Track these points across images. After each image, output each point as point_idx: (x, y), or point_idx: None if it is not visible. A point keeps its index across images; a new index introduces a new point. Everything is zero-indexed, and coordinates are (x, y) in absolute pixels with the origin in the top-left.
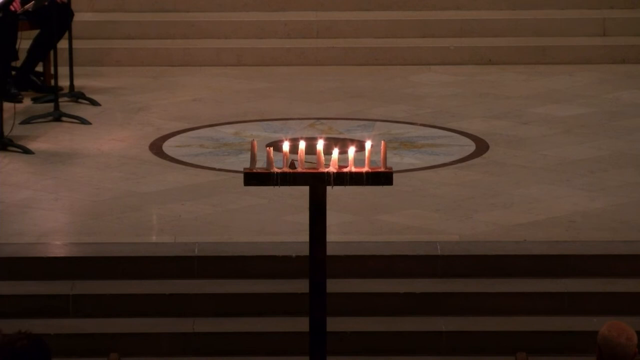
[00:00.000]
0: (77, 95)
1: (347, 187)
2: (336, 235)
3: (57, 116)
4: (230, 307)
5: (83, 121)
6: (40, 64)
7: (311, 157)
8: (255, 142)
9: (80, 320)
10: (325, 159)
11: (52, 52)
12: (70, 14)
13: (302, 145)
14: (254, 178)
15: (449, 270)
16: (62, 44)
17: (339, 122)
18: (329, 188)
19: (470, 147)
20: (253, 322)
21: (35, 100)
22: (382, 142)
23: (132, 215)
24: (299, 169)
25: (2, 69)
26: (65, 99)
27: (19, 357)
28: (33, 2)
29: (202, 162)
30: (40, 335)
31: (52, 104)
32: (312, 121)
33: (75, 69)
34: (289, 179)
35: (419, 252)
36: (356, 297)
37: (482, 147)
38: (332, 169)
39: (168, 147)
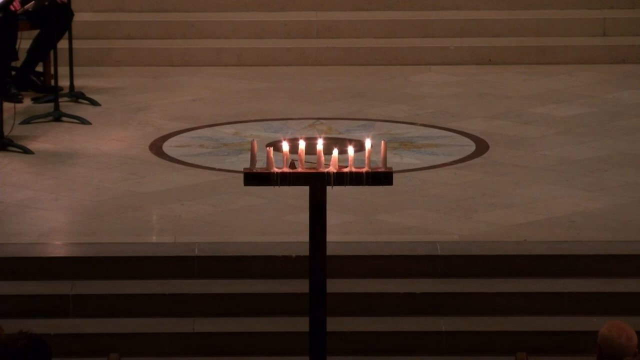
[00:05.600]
0: (77, 95)
1: (347, 187)
2: (336, 235)
3: (57, 116)
4: (230, 307)
5: (83, 121)
6: (40, 64)
7: (311, 157)
8: (255, 142)
9: (80, 320)
10: (325, 159)
11: (52, 52)
12: (70, 14)
13: (302, 145)
14: (254, 178)
15: (449, 270)
16: (62, 44)
17: (339, 122)
18: (329, 188)
19: (470, 147)
20: (253, 322)
21: (35, 100)
22: (382, 142)
23: (132, 215)
24: (299, 169)
25: (2, 69)
26: (65, 99)
27: (19, 357)
28: (33, 2)
29: (202, 162)
30: (41, 336)
31: (52, 104)
32: (312, 121)
33: (75, 69)
34: (289, 179)
35: (419, 252)
36: (356, 297)
37: (482, 147)
38: (332, 169)
39: (168, 147)
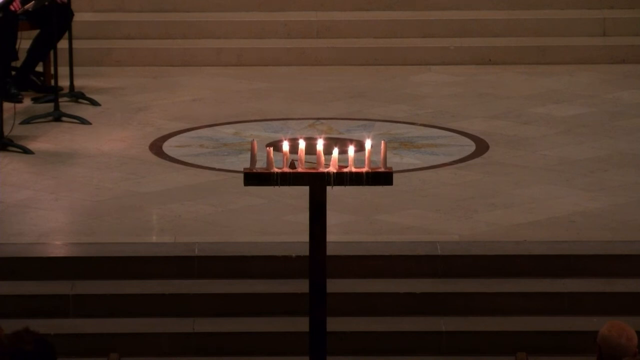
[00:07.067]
0: (77, 95)
1: (347, 187)
2: (336, 235)
3: (57, 116)
4: (230, 307)
5: (83, 121)
6: (40, 64)
7: (311, 157)
8: (255, 142)
9: (80, 320)
10: (325, 159)
11: (52, 52)
12: (70, 14)
13: (302, 145)
14: (254, 178)
15: (449, 270)
16: (62, 44)
17: (339, 122)
18: (329, 188)
19: (470, 147)
20: (253, 322)
21: (35, 100)
22: (382, 142)
23: (132, 215)
24: (299, 169)
25: (2, 69)
26: (65, 99)
27: (24, 357)
28: (33, 2)
29: (202, 162)
30: (45, 336)
31: (52, 104)
32: (312, 121)
33: (75, 69)
34: (289, 179)
35: (419, 252)
36: (356, 297)
37: (482, 147)
38: (332, 169)
39: (168, 147)
